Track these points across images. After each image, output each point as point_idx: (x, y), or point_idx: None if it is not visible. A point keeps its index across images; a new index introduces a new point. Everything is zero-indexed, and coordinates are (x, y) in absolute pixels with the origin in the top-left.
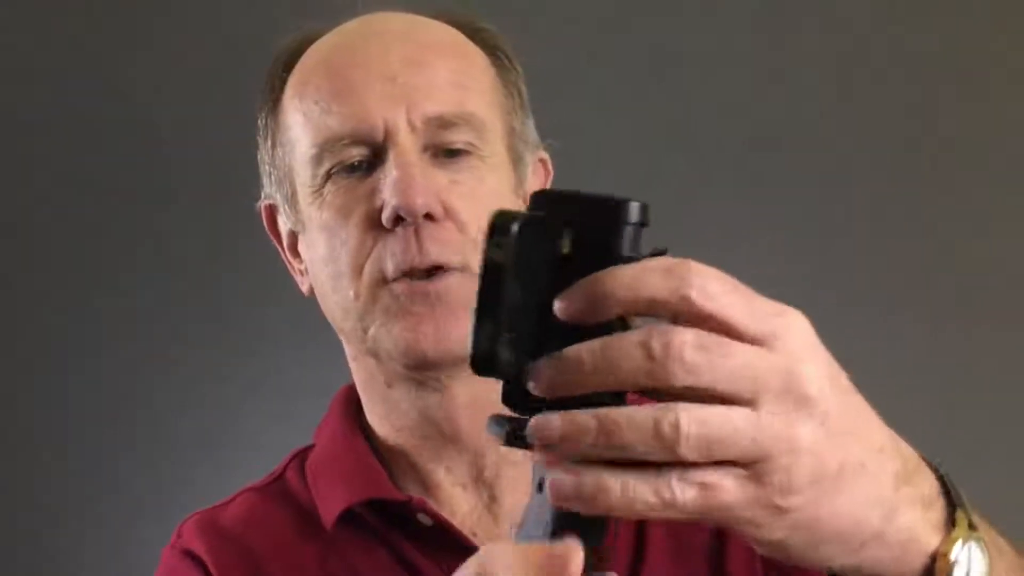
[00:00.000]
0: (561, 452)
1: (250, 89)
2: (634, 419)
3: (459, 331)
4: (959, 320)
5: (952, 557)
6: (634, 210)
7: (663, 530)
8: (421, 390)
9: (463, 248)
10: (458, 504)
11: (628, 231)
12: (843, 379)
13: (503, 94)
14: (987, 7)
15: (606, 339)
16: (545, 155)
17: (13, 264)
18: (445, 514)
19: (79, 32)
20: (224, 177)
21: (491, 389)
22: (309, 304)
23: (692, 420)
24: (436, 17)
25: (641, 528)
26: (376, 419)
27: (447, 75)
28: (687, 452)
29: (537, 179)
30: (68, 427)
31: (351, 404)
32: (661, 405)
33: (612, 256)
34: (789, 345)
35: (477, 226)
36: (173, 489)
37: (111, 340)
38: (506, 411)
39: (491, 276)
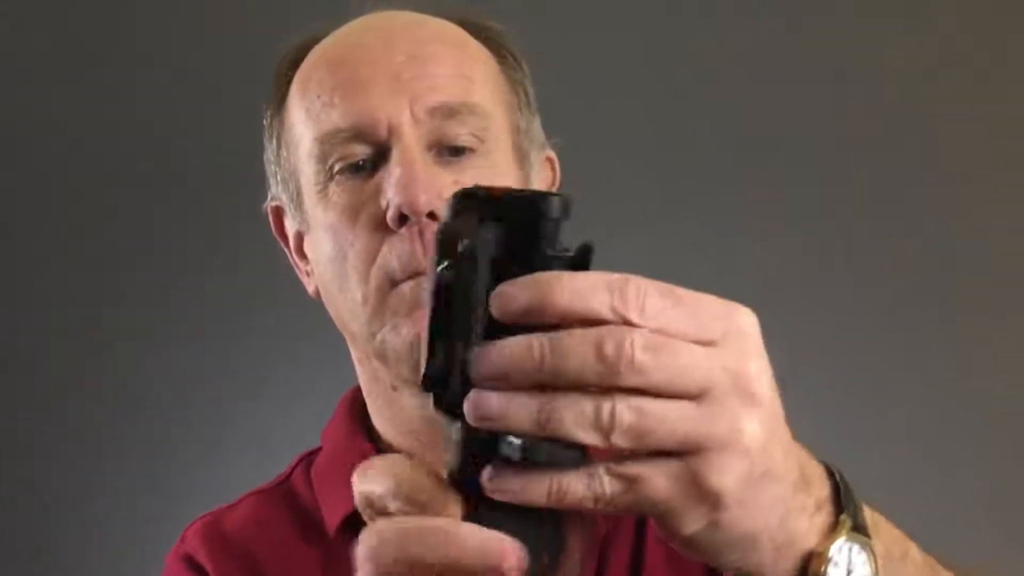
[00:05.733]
0: (495, 428)
1: (253, 90)
2: (575, 405)
3: None
4: (959, 319)
5: (828, 556)
6: (555, 205)
7: (663, 550)
8: (426, 394)
9: None
10: None
11: (550, 227)
12: (773, 380)
13: (508, 91)
14: (987, 7)
15: (555, 335)
16: (552, 154)
17: (13, 264)
18: None
19: (80, 31)
20: (225, 176)
21: None
22: (309, 304)
23: (628, 410)
24: (441, 15)
25: (639, 548)
26: (381, 422)
27: (450, 68)
28: (619, 440)
29: (544, 177)
30: (68, 427)
31: (357, 406)
32: (601, 394)
33: (537, 253)
34: (736, 344)
35: None
36: (173, 489)
37: (111, 340)
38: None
39: (444, 295)
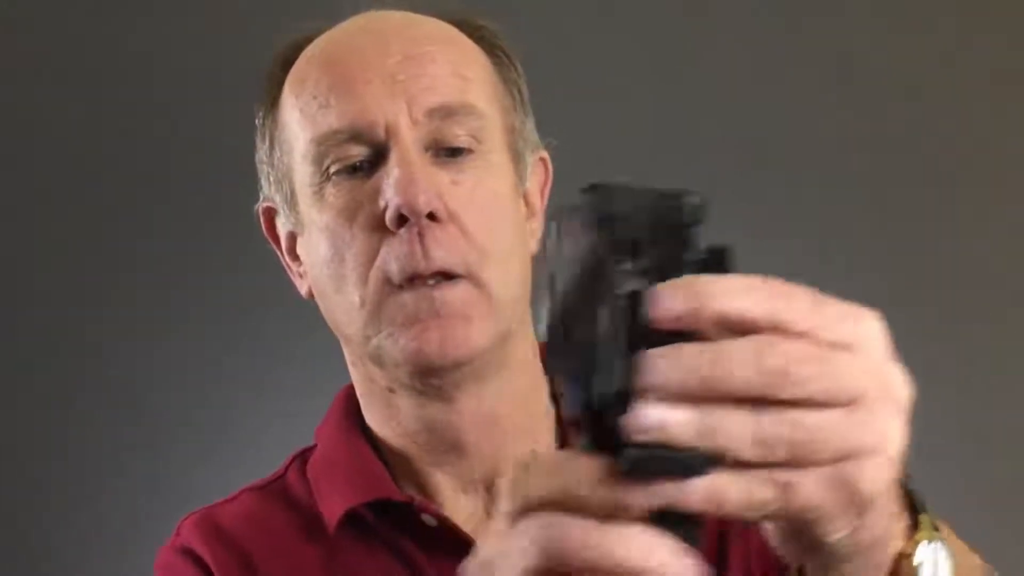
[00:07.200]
0: (650, 440)
1: (253, 89)
2: (736, 420)
3: (465, 338)
4: (960, 322)
5: (916, 558)
6: (699, 210)
7: (741, 547)
8: (424, 399)
9: (468, 255)
10: (458, 508)
11: (693, 232)
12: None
13: (503, 91)
14: (988, 8)
15: (716, 345)
16: (545, 154)
17: (13, 263)
18: None
19: (79, 30)
20: (224, 176)
21: (496, 399)
22: (309, 305)
23: (785, 423)
24: (435, 15)
25: (722, 543)
26: (376, 423)
27: (447, 67)
28: (778, 454)
29: (536, 178)
30: (68, 427)
31: (352, 404)
32: (756, 406)
33: (678, 258)
34: (873, 348)
35: (480, 232)
36: (173, 489)
37: (111, 340)
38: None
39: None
